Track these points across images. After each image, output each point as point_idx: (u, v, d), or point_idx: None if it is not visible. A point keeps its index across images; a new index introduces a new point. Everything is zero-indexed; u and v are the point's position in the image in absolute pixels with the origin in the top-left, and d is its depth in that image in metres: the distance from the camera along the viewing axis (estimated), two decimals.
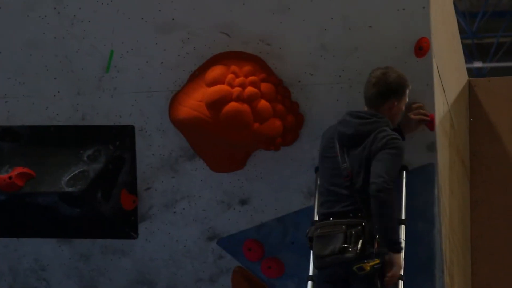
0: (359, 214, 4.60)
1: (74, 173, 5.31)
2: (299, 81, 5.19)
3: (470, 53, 20.25)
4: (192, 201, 5.45)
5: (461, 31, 19.70)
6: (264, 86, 5.10)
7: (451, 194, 5.61)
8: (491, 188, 6.38)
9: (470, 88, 6.53)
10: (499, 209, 6.39)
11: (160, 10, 5.24)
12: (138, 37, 5.29)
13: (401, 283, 4.74)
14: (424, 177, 5.12)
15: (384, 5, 5.02)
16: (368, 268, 4.48)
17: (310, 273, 4.83)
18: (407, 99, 4.87)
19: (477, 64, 20.30)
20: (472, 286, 6.32)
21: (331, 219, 4.67)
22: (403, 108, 4.88)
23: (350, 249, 4.50)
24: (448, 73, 5.66)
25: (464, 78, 6.54)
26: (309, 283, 4.82)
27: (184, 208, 5.47)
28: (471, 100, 6.51)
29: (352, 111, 4.81)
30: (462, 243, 6.07)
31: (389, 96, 4.78)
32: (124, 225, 5.48)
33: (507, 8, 19.76)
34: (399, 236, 4.65)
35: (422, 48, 5.00)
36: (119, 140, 5.40)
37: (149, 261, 5.58)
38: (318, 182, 4.95)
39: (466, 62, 20.03)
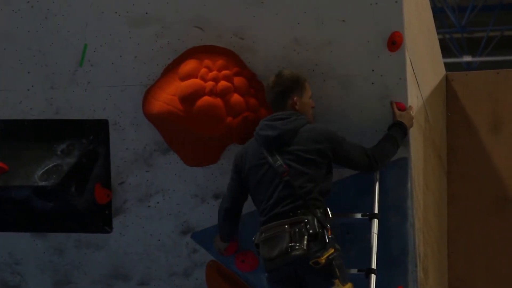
0: (298, 211, 4.61)
1: (47, 167, 5.30)
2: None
3: (460, 47, 20.27)
4: (166, 195, 5.46)
5: (451, 25, 19.83)
6: (237, 80, 5.10)
7: (426, 188, 5.62)
8: (468, 182, 6.41)
9: (447, 82, 6.55)
10: (475, 203, 6.42)
11: (133, 4, 5.22)
12: (111, 31, 5.27)
13: (373, 277, 4.77)
14: (397, 171, 5.13)
15: None
16: (324, 260, 4.49)
17: None
18: (310, 93, 4.93)
19: (467, 59, 20.32)
20: (448, 280, 6.35)
21: (272, 222, 4.66)
22: (310, 101, 4.93)
23: (297, 247, 4.49)
24: (423, 67, 5.67)
25: (441, 72, 6.55)
26: None
27: (158, 202, 5.47)
28: (448, 94, 6.53)
29: (267, 117, 4.86)
30: (438, 237, 6.08)
31: (288, 94, 4.85)
32: (98, 219, 5.48)
33: (496, 2, 19.75)
34: (400, 132, 4.94)
35: (395, 42, 5.01)
36: (93, 134, 5.39)
37: (124, 255, 5.58)
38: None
39: (456, 56, 20.04)
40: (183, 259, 5.53)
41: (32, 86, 5.43)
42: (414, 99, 5.31)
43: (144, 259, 5.57)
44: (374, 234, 4.88)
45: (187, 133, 5.17)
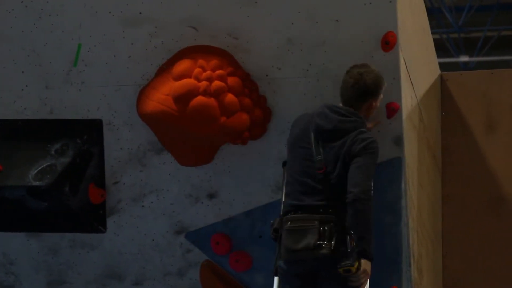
0: (330, 210, 4.60)
1: (41, 167, 5.31)
2: (266, 75, 5.19)
3: (457, 47, 20.28)
4: (160, 195, 5.46)
5: (448, 25, 19.84)
6: (231, 80, 5.10)
7: (420, 188, 5.62)
8: (463, 182, 6.41)
9: (442, 82, 6.55)
10: (470, 203, 6.42)
11: (127, 4, 5.23)
12: (105, 31, 5.28)
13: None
14: (391, 171, 5.13)
15: None
16: (355, 270, 4.48)
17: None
18: (382, 96, 4.88)
19: (464, 59, 20.32)
20: (443, 280, 6.35)
21: (299, 212, 4.66)
22: (378, 104, 4.89)
23: (324, 245, 4.50)
24: (417, 67, 5.67)
25: (435, 72, 6.55)
26: (276, 278, 4.82)
27: (152, 202, 5.47)
28: (443, 94, 6.53)
29: (331, 105, 4.79)
30: (433, 237, 6.08)
31: (367, 98, 4.78)
32: (93, 219, 5.48)
33: (493, 2, 19.76)
34: (372, 246, 4.56)
35: (388, 42, 5.01)
36: (87, 134, 5.40)
37: (118, 254, 5.58)
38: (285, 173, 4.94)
39: (453, 56, 20.04)
40: (177, 259, 5.53)
41: (26, 86, 5.44)
42: (408, 99, 5.32)
43: (139, 259, 5.57)
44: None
45: (181, 133, 5.17)
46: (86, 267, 5.64)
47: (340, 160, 4.63)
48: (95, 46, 5.31)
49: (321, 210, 4.60)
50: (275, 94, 5.20)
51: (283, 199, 4.85)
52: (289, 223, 4.65)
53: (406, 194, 5.17)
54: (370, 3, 5.00)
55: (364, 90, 4.75)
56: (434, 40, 21.20)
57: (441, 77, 6.57)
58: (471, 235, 6.37)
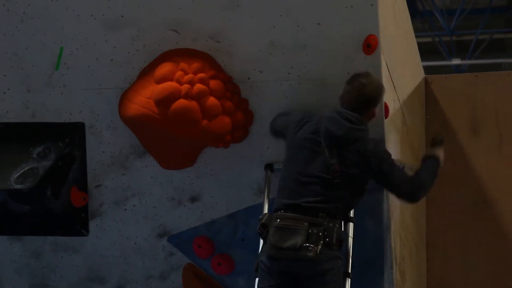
0: (320, 214, 4.60)
1: (23, 170, 5.31)
2: (248, 78, 5.19)
3: (449, 50, 20.29)
4: (142, 198, 5.46)
5: (440, 28, 19.86)
6: (213, 83, 5.10)
7: None
8: (447, 185, 6.40)
9: (426, 85, 6.56)
10: (454, 206, 6.43)
11: (109, 7, 5.23)
12: (87, 34, 5.28)
13: (348, 280, 4.78)
14: None
15: (332, 2, 5.02)
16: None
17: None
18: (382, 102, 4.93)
19: (456, 62, 20.33)
20: (427, 282, 6.36)
21: (289, 211, 4.64)
22: (378, 111, 4.91)
23: (310, 248, 4.51)
24: (400, 70, 5.68)
25: (420, 75, 6.56)
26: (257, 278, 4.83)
27: (134, 205, 5.47)
28: (427, 97, 6.54)
29: (341, 110, 4.77)
30: (417, 239, 6.09)
31: (370, 108, 4.80)
32: (75, 222, 5.48)
33: (485, 5, 19.79)
34: (434, 166, 4.97)
35: (370, 45, 5.01)
36: (69, 137, 5.39)
37: (100, 258, 5.58)
38: (274, 174, 5.04)
39: (445, 59, 20.02)
40: (160, 262, 5.53)
41: (8, 89, 5.43)
42: (391, 102, 5.32)
43: (121, 262, 5.57)
44: (350, 238, 4.88)
45: (163, 136, 5.17)
46: (68, 271, 5.64)
47: (349, 168, 4.65)
48: (77, 49, 5.31)
49: (312, 212, 4.61)
50: (257, 97, 5.20)
51: (276, 195, 4.81)
52: (278, 220, 4.64)
53: (388, 197, 5.18)
54: (352, 7, 5.01)
55: (367, 101, 4.77)
56: (426, 43, 21.16)
57: (425, 80, 6.57)
58: (455, 237, 6.39)
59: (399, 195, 4.83)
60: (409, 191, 4.77)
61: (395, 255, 5.27)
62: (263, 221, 4.70)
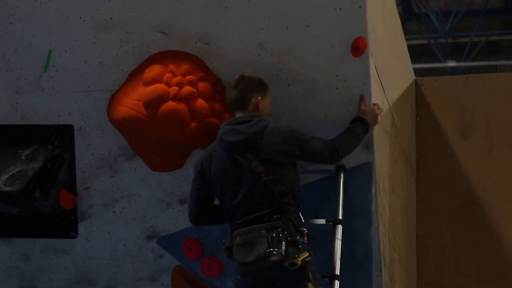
0: (274, 216, 4.60)
1: (12, 172, 5.31)
2: None
3: (444, 52, 20.31)
4: (131, 200, 5.46)
5: (435, 30, 19.88)
6: (202, 85, 5.10)
7: (392, 193, 5.63)
8: (437, 186, 6.43)
9: (417, 87, 6.56)
10: (444, 208, 6.44)
11: (98, 10, 5.23)
12: (76, 36, 5.29)
13: (336, 283, 4.77)
14: (361, 176, 5.14)
15: (321, 5, 5.03)
16: (299, 262, 4.51)
17: None
18: (270, 99, 4.91)
19: (451, 64, 20.36)
20: (417, 283, 6.36)
21: (245, 226, 4.63)
22: (269, 105, 4.90)
23: (275, 252, 4.50)
24: (389, 72, 5.69)
25: (410, 77, 6.56)
26: None
27: (123, 207, 5.47)
28: (417, 99, 6.54)
29: (228, 120, 4.80)
30: (406, 241, 6.09)
31: (251, 92, 4.82)
32: (64, 224, 5.48)
33: (481, 7, 19.81)
34: (360, 127, 4.93)
35: (358, 48, 5.02)
36: (58, 139, 5.40)
37: (89, 260, 5.58)
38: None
39: (441, 61, 20.03)
40: (149, 264, 5.53)
41: None
42: (380, 104, 5.31)
43: (110, 264, 5.57)
44: (338, 240, 4.88)
45: (152, 138, 5.17)
46: (57, 273, 5.64)
47: (276, 162, 4.65)
48: (66, 51, 5.31)
49: (266, 218, 4.60)
50: None
51: (230, 226, 4.76)
52: (238, 238, 4.64)
53: (377, 199, 5.18)
54: (340, 9, 5.01)
55: (247, 85, 4.83)
56: (422, 45, 21.16)
57: (416, 82, 6.58)
58: (445, 239, 6.39)
59: (322, 161, 4.85)
60: (329, 154, 4.78)
61: (384, 257, 5.27)
62: (226, 244, 4.72)
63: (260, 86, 4.88)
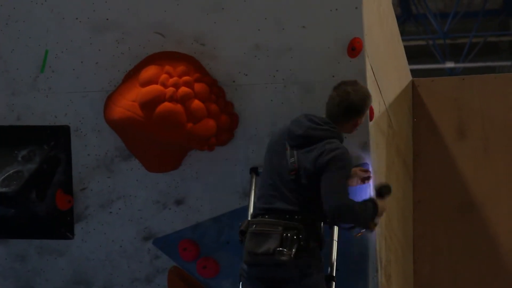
0: (296, 217, 4.58)
1: (8, 173, 5.30)
2: (233, 81, 5.20)
3: (442, 53, 20.32)
4: (128, 201, 5.46)
5: (433, 31, 19.89)
6: (198, 86, 5.11)
7: None
8: (434, 188, 6.42)
9: (413, 88, 6.56)
10: (441, 209, 6.43)
11: (94, 10, 5.24)
12: (72, 37, 5.29)
13: (333, 284, 4.78)
14: None
15: (317, 5, 5.05)
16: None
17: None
18: (367, 113, 4.85)
19: (450, 65, 20.36)
20: (413, 284, 6.35)
21: (266, 216, 4.64)
22: (363, 121, 4.83)
23: (284, 252, 4.48)
24: (385, 73, 5.69)
25: (407, 78, 6.56)
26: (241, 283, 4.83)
27: (120, 208, 5.47)
28: (414, 100, 6.54)
29: (308, 114, 4.76)
30: (403, 242, 6.09)
31: (352, 117, 4.73)
32: (60, 225, 5.48)
33: (479, 8, 19.81)
34: (372, 210, 4.64)
35: (355, 48, 5.02)
36: (54, 140, 5.39)
37: (86, 261, 5.57)
38: (259, 178, 4.94)
39: (439, 62, 20.03)
40: (145, 265, 5.52)
41: None
42: (376, 105, 5.32)
43: (106, 265, 5.56)
44: (334, 241, 4.88)
45: (148, 139, 5.18)
46: (54, 274, 5.63)
47: (311, 168, 4.60)
48: (62, 52, 5.32)
49: (287, 216, 4.59)
50: (242, 100, 5.21)
51: (255, 202, 4.84)
52: (254, 226, 4.63)
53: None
54: (336, 10, 5.02)
55: (350, 109, 4.69)
56: (420, 46, 21.12)
57: (412, 83, 6.58)
58: (442, 240, 6.39)
59: (324, 206, 4.53)
60: (331, 207, 4.48)
61: (381, 258, 5.27)
62: (242, 227, 4.70)
63: (363, 108, 4.73)
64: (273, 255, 4.49)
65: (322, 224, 4.67)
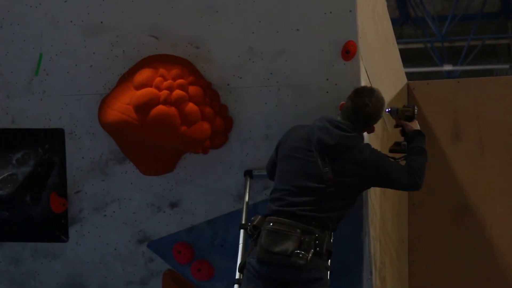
0: (313, 222, 4.58)
1: (2, 176, 5.31)
2: (227, 84, 5.20)
3: (441, 56, 20.32)
4: (122, 204, 5.46)
5: (432, 34, 19.89)
6: (192, 89, 5.11)
7: (384, 196, 5.63)
8: (429, 190, 6.38)
9: (408, 91, 6.56)
10: (436, 211, 6.43)
11: (88, 13, 5.25)
12: (67, 40, 5.30)
13: None
14: None
15: (311, 8, 5.05)
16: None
17: (237, 276, 4.83)
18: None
19: (448, 67, 20.35)
20: (409, 287, 6.35)
21: (283, 216, 4.61)
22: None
23: (301, 255, 4.48)
24: (380, 76, 5.69)
25: (402, 81, 6.56)
26: (235, 286, 4.83)
27: (114, 211, 5.47)
28: (409, 103, 6.52)
29: (332, 119, 4.75)
30: (397, 245, 6.09)
31: (370, 124, 4.84)
32: (55, 228, 5.48)
33: (477, 11, 19.82)
34: (421, 140, 4.96)
35: (349, 51, 5.03)
36: (48, 143, 5.40)
37: (80, 264, 5.57)
38: (254, 181, 5.05)
39: (437, 65, 20.01)
40: (140, 268, 5.53)
41: None
42: None
43: (101, 268, 5.56)
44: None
45: (142, 142, 5.18)
46: (48, 276, 5.63)
47: (344, 177, 4.63)
48: (56, 55, 5.32)
49: (306, 220, 4.58)
50: (236, 103, 5.21)
51: (269, 205, 4.75)
52: (271, 224, 4.60)
53: (368, 203, 5.17)
54: (331, 12, 5.02)
55: (369, 119, 4.79)
56: (418, 49, 21.11)
57: (408, 86, 6.58)
58: (437, 242, 6.38)
59: (403, 188, 4.95)
60: (410, 182, 4.75)
61: (375, 260, 5.27)
62: (255, 223, 4.65)
63: (379, 115, 4.84)
64: (290, 257, 4.49)
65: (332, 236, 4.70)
